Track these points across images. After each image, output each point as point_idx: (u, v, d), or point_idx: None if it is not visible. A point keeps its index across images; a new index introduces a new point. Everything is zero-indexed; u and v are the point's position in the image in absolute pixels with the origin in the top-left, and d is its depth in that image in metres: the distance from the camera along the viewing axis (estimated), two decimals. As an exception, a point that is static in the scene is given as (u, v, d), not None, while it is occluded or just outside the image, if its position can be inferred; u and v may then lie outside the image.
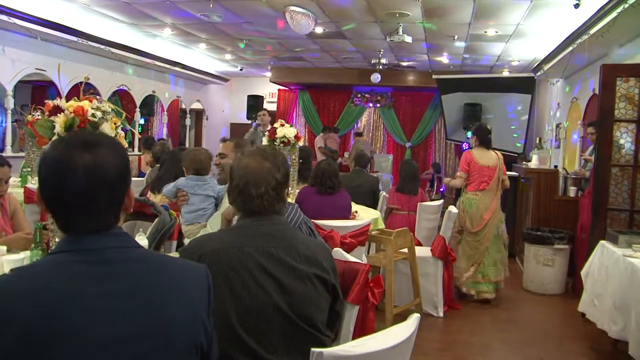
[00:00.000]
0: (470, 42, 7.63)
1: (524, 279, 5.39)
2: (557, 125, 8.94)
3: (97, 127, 1.79)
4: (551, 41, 6.96)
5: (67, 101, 1.84)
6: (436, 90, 10.67)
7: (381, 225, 4.45)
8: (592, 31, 5.41)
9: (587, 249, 4.22)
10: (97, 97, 1.96)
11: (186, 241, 3.15)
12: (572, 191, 5.79)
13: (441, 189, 10.69)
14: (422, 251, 4.52)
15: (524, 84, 9.41)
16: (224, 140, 3.53)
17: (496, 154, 4.94)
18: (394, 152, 12.25)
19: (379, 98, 12.26)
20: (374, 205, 5.22)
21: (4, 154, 6.43)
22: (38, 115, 3.18)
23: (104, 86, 8.68)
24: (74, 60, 7.81)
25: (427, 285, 4.42)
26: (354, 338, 1.92)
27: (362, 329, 2.16)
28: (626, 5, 4.48)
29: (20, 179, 5.11)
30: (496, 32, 6.86)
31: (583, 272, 3.83)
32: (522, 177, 6.39)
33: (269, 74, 11.72)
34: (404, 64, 9.93)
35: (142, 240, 2.34)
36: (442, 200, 5.76)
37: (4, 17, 6.08)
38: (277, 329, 1.56)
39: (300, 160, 4.67)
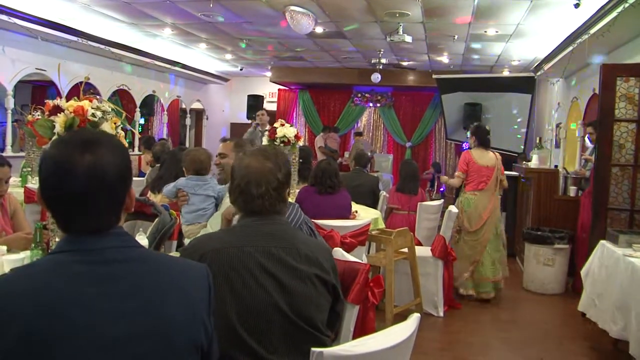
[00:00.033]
0: (471, 42, 7.63)
1: (524, 278, 5.39)
2: (557, 125, 8.94)
3: (97, 127, 1.79)
4: (551, 41, 6.96)
5: (67, 101, 1.84)
6: (436, 90, 10.67)
7: (381, 225, 4.46)
8: (593, 31, 5.40)
9: (587, 249, 4.22)
10: (97, 97, 1.96)
11: (186, 241, 3.15)
12: (572, 191, 5.79)
13: (441, 189, 10.69)
14: (423, 251, 4.52)
15: (524, 83, 9.40)
16: (224, 140, 3.53)
17: (495, 154, 4.99)
18: (394, 152, 12.24)
19: (379, 98, 12.26)
20: (374, 205, 5.22)
21: (4, 154, 6.44)
22: (38, 115, 3.17)
23: (104, 86, 8.68)
24: (74, 60, 7.80)
25: (428, 285, 4.42)
26: (354, 338, 1.92)
27: (362, 329, 2.16)
28: (626, 5, 4.48)
29: (20, 178, 5.12)
30: (496, 32, 6.86)
31: (583, 272, 3.83)
32: (523, 177, 6.39)
33: (269, 74, 11.72)
34: (404, 63, 9.93)
35: (142, 240, 2.34)
36: (442, 200, 5.76)
37: (4, 17, 6.08)
38: (277, 329, 1.56)
39: (301, 160, 4.68)
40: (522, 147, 9.50)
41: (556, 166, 7.23)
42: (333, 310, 1.74)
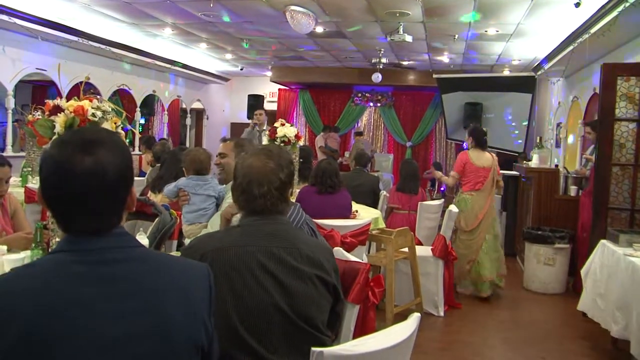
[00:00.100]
0: (471, 42, 7.63)
1: (525, 278, 5.39)
2: (558, 125, 8.93)
3: (97, 127, 1.79)
4: (552, 40, 6.95)
5: (67, 101, 1.84)
6: (437, 90, 10.66)
7: (382, 224, 4.46)
8: (593, 30, 5.40)
9: (587, 248, 4.22)
10: (98, 96, 1.96)
11: (186, 241, 3.15)
12: (572, 190, 5.78)
13: (442, 189, 10.68)
14: (423, 250, 4.52)
15: (525, 83, 9.39)
16: (224, 139, 3.52)
17: (491, 155, 5.06)
18: (394, 152, 12.24)
19: (379, 97, 12.25)
20: (374, 205, 5.22)
21: (4, 154, 6.44)
22: (38, 115, 3.17)
23: (104, 86, 8.67)
24: (74, 60, 7.80)
25: (428, 285, 4.42)
26: (354, 337, 1.91)
27: (362, 329, 2.16)
28: (626, 5, 4.48)
29: (20, 178, 5.12)
30: (497, 31, 6.86)
31: (583, 272, 3.83)
32: (523, 177, 6.39)
33: (269, 74, 11.71)
34: (405, 63, 9.93)
35: (143, 239, 2.34)
36: (442, 200, 5.76)
37: (4, 17, 6.08)
38: (277, 329, 1.56)
39: (301, 160, 4.68)
40: (523, 146, 9.50)
41: (556, 165, 7.22)
42: (333, 310, 1.73)
